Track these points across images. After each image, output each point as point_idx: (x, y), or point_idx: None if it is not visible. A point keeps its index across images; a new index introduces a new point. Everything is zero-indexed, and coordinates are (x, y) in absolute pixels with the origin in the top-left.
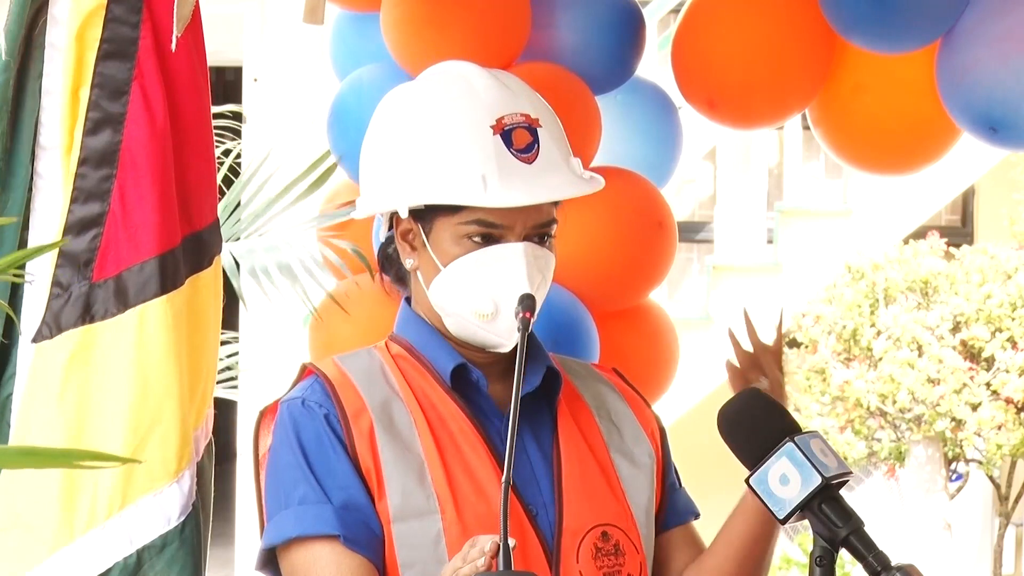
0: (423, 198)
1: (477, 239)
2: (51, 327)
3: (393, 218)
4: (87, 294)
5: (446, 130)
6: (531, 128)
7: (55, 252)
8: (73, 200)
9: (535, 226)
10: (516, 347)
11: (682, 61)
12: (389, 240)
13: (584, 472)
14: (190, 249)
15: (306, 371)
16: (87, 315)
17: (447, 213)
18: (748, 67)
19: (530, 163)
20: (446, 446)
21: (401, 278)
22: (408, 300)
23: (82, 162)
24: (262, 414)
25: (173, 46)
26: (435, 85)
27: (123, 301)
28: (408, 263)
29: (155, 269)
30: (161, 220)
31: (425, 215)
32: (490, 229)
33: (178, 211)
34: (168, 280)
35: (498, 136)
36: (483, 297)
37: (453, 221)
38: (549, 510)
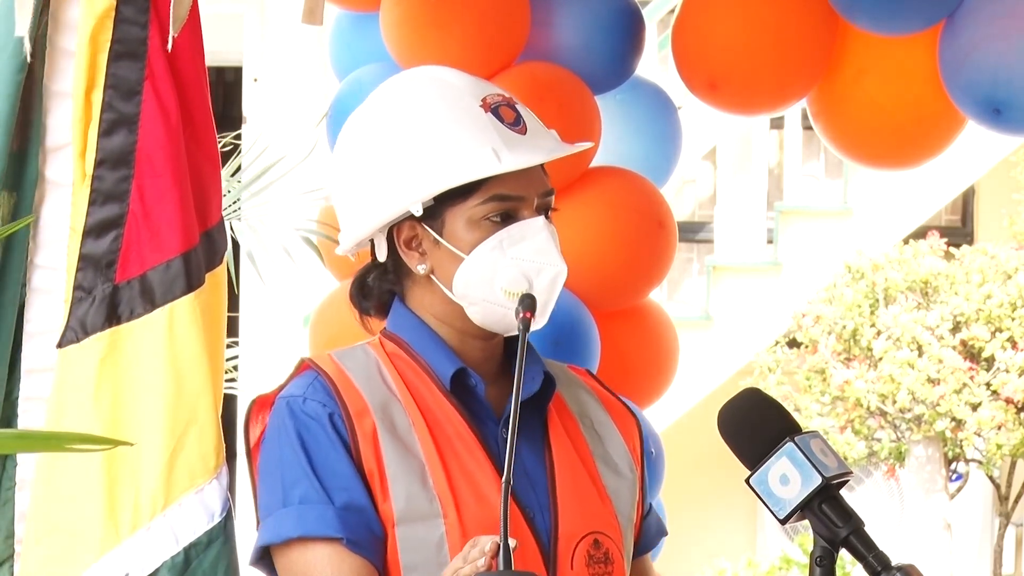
0: (437, 186)
1: (495, 218)
2: (77, 331)
3: (392, 232)
4: (111, 295)
5: (440, 118)
6: (511, 104)
7: (75, 256)
8: (91, 203)
9: (544, 194)
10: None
11: (683, 42)
12: (367, 271)
13: (575, 479)
14: (206, 246)
15: (303, 365)
16: (114, 316)
17: (458, 200)
18: (750, 47)
19: (523, 134)
20: (445, 449)
21: (382, 305)
22: (400, 298)
23: (99, 164)
24: (255, 404)
25: (169, 45)
26: (406, 89)
27: (150, 300)
28: (420, 269)
29: (181, 267)
30: (182, 218)
31: (433, 211)
32: (507, 203)
33: (194, 209)
34: (193, 278)
35: (489, 113)
36: (515, 275)
37: (467, 206)
38: (545, 515)
